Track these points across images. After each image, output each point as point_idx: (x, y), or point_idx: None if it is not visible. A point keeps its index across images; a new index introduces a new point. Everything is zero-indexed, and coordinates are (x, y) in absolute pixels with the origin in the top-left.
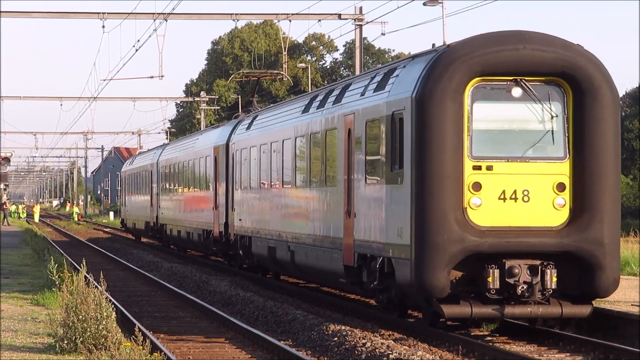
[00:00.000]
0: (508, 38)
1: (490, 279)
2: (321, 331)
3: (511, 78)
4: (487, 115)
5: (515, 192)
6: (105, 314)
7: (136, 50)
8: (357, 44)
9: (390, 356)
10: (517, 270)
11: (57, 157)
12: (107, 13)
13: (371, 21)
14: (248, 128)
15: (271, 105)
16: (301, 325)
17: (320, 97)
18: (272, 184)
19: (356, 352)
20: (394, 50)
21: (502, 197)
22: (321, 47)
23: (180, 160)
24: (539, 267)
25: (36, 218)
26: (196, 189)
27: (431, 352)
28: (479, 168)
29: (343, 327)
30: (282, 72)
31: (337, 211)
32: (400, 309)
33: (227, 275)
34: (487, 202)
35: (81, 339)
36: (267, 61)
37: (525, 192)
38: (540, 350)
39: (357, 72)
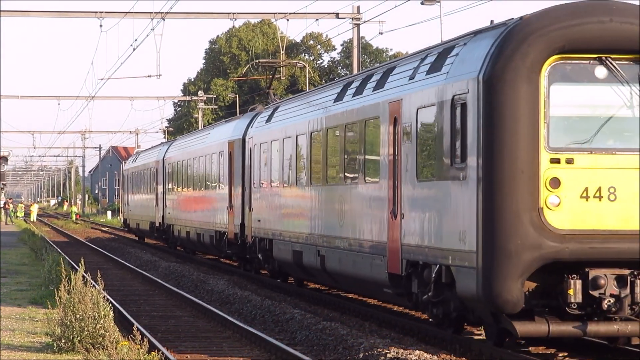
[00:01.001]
0: (592, 9)
1: (571, 292)
2: (318, 330)
3: (595, 56)
4: (567, 99)
5: (599, 189)
6: (102, 313)
7: (134, 49)
8: (355, 43)
9: (388, 355)
10: (602, 281)
11: (54, 156)
12: (105, 12)
13: (369, 20)
14: (268, 120)
15: (295, 95)
16: (299, 324)
17: (356, 84)
18: (298, 181)
19: (354, 351)
20: (391, 50)
21: (584, 195)
22: (319, 46)
23: (189, 157)
24: (628, 278)
25: (33, 217)
26: (208, 187)
27: (429, 351)
28: (557, 161)
29: (341, 326)
30: (302, 61)
31: (379, 211)
32: (456, 325)
33: (224, 274)
34: (567, 202)
35: (79, 338)
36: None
37: (612, 190)
38: None
39: (355, 72)
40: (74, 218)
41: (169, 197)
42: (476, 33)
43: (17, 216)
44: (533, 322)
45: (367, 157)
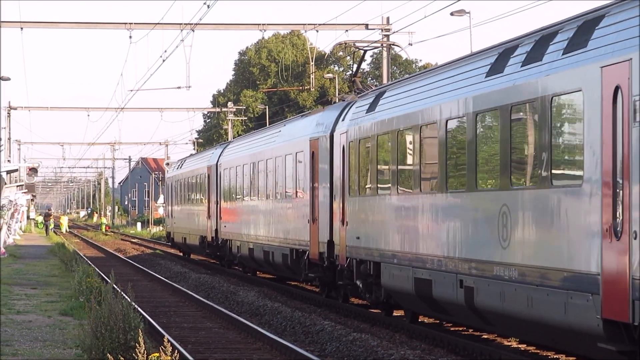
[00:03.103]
0: None
1: None
2: (349, 342)
3: None
4: None
5: None
6: (133, 324)
7: (163, 60)
8: (385, 54)
9: None
10: None
11: (84, 167)
12: (135, 23)
13: (398, 31)
14: (370, 109)
15: (408, 75)
16: (329, 336)
17: (523, 49)
18: (424, 185)
19: None
20: (421, 61)
21: None
22: (348, 57)
23: (252, 161)
24: None
25: (63, 229)
26: (279, 195)
27: None
28: None
29: (371, 337)
30: (384, 41)
31: (580, 227)
32: None
33: (254, 286)
34: None
35: (109, 349)
36: (294, 72)
37: None
38: None
39: (385, 82)
40: (103, 229)
41: (224, 207)
42: None
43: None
44: None
45: (553, 149)
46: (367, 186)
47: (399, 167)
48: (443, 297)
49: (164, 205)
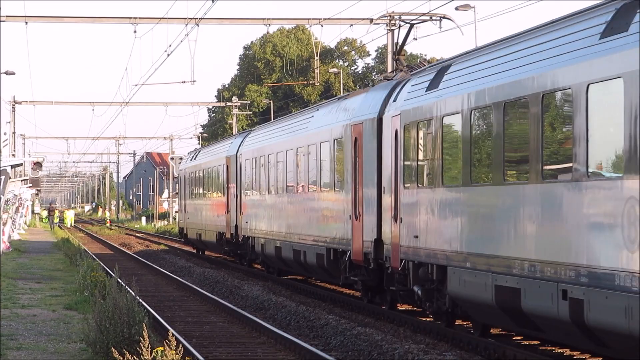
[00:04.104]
0: None
1: None
2: (353, 336)
3: None
4: None
5: None
6: (137, 318)
7: (168, 55)
8: (389, 48)
9: None
10: None
11: (89, 162)
12: (139, 18)
13: (402, 25)
14: (431, 87)
15: (484, 45)
16: (333, 330)
17: None
18: (520, 172)
19: (388, 356)
20: (426, 55)
21: None
22: (353, 52)
23: (280, 150)
24: None
25: (68, 223)
26: (312, 188)
27: (463, 357)
28: None
29: (375, 332)
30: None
31: None
32: None
33: (259, 280)
34: None
35: (113, 343)
36: (299, 66)
37: None
38: None
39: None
40: (107, 224)
41: (246, 201)
42: None
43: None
44: None
45: None
46: (430, 176)
47: (482, 151)
48: (537, 311)
49: (169, 199)
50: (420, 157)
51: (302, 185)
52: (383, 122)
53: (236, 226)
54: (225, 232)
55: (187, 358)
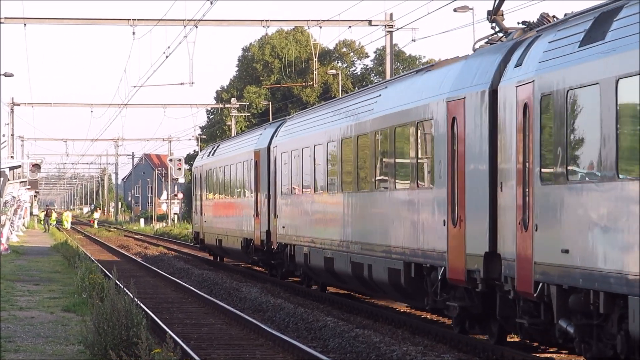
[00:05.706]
0: None
1: None
2: (351, 337)
3: None
4: None
5: None
6: (135, 320)
7: (166, 56)
8: (388, 50)
9: None
10: None
11: (87, 163)
12: (138, 19)
13: (401, 27)
14: (590, 40)
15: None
16: (332, 332)
17: None
18: None
19: (386, 358)
20: (424, 57)
21: None
22: (351, 53)
23: (331, 139)
24: None
25: (67, 225)
26: (383, 186)
27: (462, 359)
28: None
29: (374, 334)
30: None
31: None
32: None
33: (257, 282)
34: None
35: (111, 345)
36: (298, 68)
37: None
38: None
39: (388, 77)
40: (95, 225)
41: (282, 203)
42: None
43: (50, 224)
44: None
45: None
46: (596, 165)
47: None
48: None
49: (167, 201)
50: (574, 138)
51: (367, 182)
52: (499, 95)
53: (268, 231)
54: (253, 238)
55: None
